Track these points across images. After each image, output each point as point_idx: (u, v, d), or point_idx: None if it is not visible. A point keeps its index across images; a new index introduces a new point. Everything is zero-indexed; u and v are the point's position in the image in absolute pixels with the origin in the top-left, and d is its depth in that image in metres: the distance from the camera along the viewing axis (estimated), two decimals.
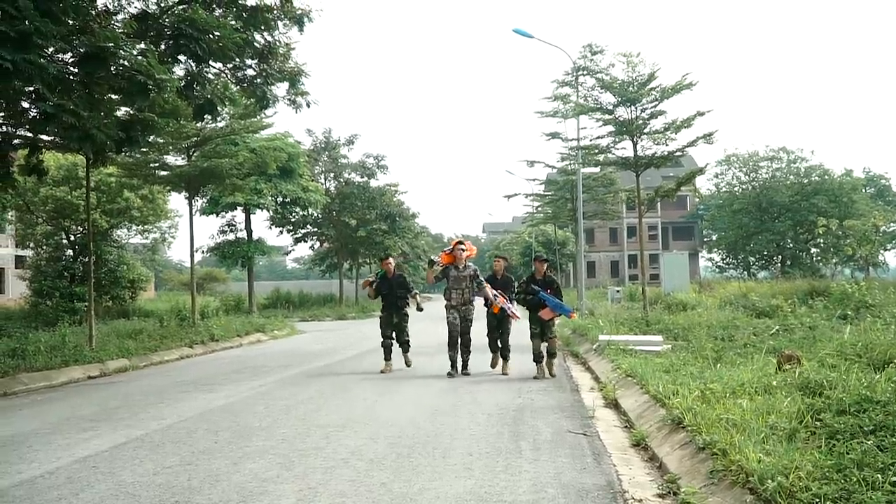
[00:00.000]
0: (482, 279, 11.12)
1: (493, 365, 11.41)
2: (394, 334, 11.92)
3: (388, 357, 11.75)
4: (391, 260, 12.28)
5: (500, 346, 11.31)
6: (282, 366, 13.17)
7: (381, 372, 11.49)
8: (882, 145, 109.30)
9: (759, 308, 16.00)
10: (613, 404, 8.20)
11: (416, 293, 12.20)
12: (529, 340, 10.74)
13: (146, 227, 27.37)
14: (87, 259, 16.24)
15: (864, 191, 47.50)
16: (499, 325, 11.20)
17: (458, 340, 11.04)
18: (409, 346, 12.14)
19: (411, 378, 10.90)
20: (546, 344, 10.70)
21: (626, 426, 7.10)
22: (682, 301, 20.40)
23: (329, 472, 5.39)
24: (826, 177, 45.24)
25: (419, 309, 12.30)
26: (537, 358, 10.55)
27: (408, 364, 11.93)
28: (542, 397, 8.82)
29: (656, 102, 16.03)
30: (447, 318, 11.10)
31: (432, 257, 12.41)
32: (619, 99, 16.25)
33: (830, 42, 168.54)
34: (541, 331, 10.59)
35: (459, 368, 11.02)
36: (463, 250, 11.00)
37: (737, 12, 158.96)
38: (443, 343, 11.85)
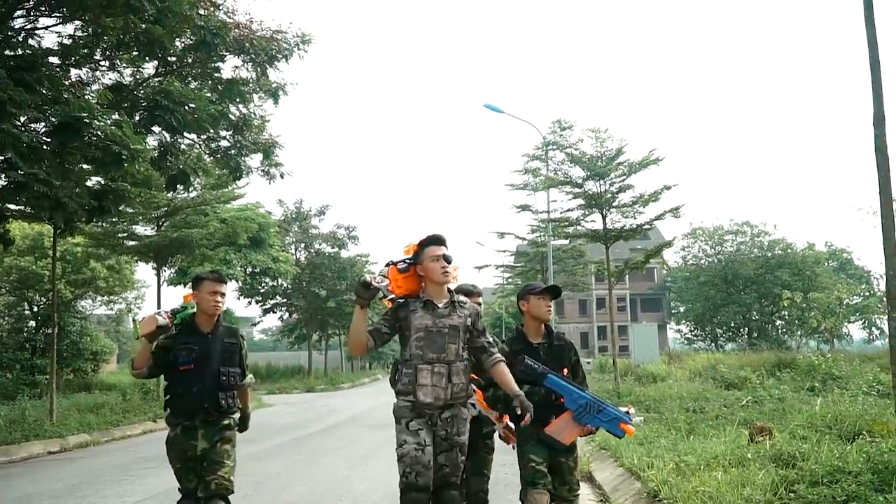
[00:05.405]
0: (493, 342, 4.61)
1: None
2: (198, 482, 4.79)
3: None
4: (223, 289, 4.62)
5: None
6: (248, 440, 12.85)
7: None
8: (843, 219, 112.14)
9: (728, 380, 16.06)
10: (588, 477, 8.11)
11: (251, 384, 5.01)
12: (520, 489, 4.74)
13: (111, 297, 26.94)
14: (49, 330, 15.89)
15: (826, 264, 48.28)
16: (471, 450, 4.64)
17: None
18: None
19: (383, 449, 10.59)
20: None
21: (601, 500, 7.02)
22: (652, 373, 20.42)
23: None
24: (789, 250, 46.09)
25: (241, 426, 4.98)
26: None
27: None
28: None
29: (624, 177, 16.40)
30: (402, 442, 4.08)
31: (367, 278, 4.09)
32: (588, 173, 16.61)
33: (791, 119, 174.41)
34: (546, 471, 4.68)
35: None
36: (444, 258, 4.34)
37: (702, 89, 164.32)
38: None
